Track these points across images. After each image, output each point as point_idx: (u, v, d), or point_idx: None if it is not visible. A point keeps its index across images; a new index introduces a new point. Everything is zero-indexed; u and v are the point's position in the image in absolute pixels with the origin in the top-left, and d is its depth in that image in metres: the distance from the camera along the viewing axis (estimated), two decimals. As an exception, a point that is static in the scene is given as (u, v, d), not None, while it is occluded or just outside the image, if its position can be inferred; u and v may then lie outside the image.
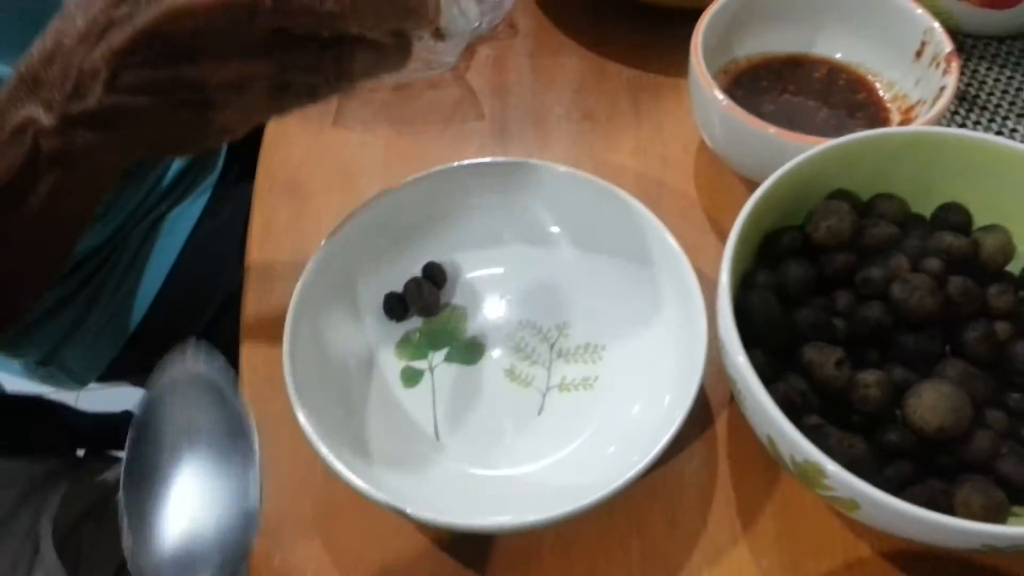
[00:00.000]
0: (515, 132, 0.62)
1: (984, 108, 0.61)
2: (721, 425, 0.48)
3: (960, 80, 0.62)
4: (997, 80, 0.63)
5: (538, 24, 0.68)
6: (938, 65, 0.52)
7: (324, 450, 0.41)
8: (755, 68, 0.59)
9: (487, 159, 0.52)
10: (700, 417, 0.48)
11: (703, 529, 0.45)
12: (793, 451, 0.38)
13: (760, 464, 0.46)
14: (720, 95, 0.51)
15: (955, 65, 0.51)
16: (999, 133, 0.60)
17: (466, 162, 0.53)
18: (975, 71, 0.63)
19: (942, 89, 0.51)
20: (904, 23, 0.55)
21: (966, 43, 0.65)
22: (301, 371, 0.44)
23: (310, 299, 0.47)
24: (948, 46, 0.52)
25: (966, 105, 0.61)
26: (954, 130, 0.46)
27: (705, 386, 0.48)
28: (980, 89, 0.62)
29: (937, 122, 0.50)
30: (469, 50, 0.66)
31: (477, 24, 0.66)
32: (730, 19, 0.57)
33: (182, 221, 0.80)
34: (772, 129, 0.50)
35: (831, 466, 0.36)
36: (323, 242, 0.49)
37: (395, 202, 0.52)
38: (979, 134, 0.45)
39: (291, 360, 0.44)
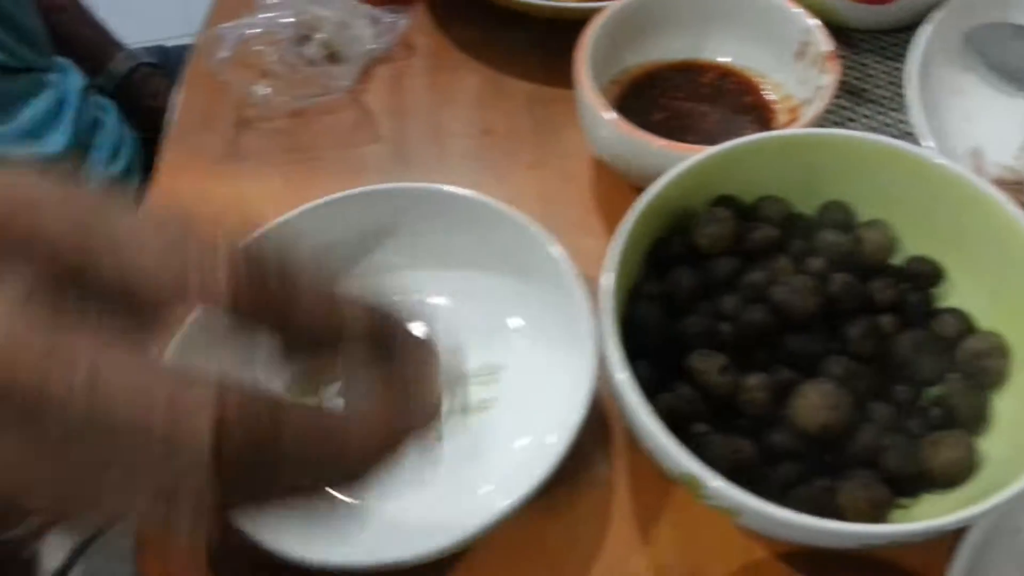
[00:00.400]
0: (415, 152, 0.62)
1: (872, 101, 0.62)
2: (619, 435, 0.48)
3: (849, 74, 0.64)
4: (885, 72, 0.64)
5: (435, 42, 0.68)
6: (817, 65, 0.53)
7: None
8: (646, 76, 0.60)
9: (372, 187, 0.52)
10: (598, 428, 0.48)
11: (603, 542, 0.45)
12: (672, 464, 0.38)
13: (657, 473, 0.47)
14: (606, 111, 0.51)
15: (833, 65, 0.52)
16: (888, 125, 0.61)
17: (356, 191, 0.52)
18: (864, 64, 0.64)
19: (820, 89, 0.51)
20: (785, 24, 0.56)
21: (854, 37, 0.66)
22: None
23: (189, 349, 0.46)
24: (827, 46, 0.53)
25: (855, 99, 0.62)
26: (827, 131, 0.47)
27: (604, 396, 0.48)
28: (868, 82, 0.63)
29: (817, 122, 0.51)
30: (366, 72, 0.66)
31: (373, 46, 0.66)
32: (617, 30, 0.57)
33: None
34: (660, 142, 0.50)
35: (707, 477, 0.37)
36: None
37: (287, 234, 0.51)
38: (851, 132, 0.46)
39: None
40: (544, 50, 0.66)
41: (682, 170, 0.46)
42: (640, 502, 0.46)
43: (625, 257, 0.44)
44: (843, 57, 0.65)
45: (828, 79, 0.51)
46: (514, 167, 0.61)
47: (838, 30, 0.65)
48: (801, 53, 0.55)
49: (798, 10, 0.55)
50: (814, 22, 0.54)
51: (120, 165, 0.90)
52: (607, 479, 0.47)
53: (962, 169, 0.44)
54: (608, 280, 0.42)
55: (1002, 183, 0.52)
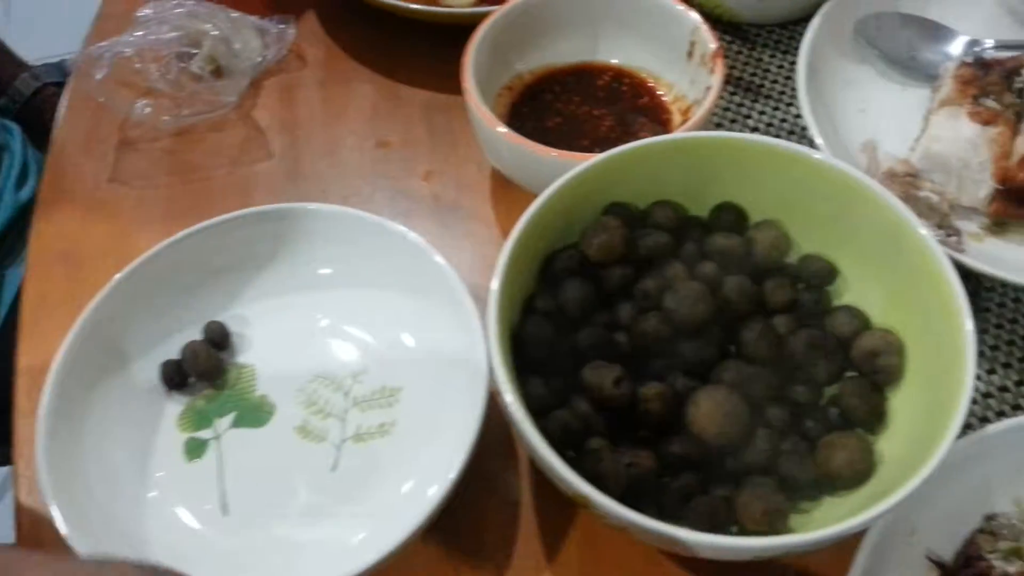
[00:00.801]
0: (308, 168, 0.60)
1: (768, 96, 0.62)
2: (525, 454, 0.47)
3: (744, 71, 0.63)
4: (781, 67, 0.63)
5: (327, 52, 0.66)
6: (705, 64, 0.52)
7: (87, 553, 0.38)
8: (540, 81, 0.59)
9: (261, 208, 0.50)
10: (504, 447, 0.47)
11: (508, 563, 0.44)
12: (564, 485, 0.37)
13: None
14: (493, 122, 0.50)
15: (720, 63, 0.51)
16: (783, 121, 0.60)
17: (243, 212, 0.50)
18: (759, 59, 0.64)
19: (708, 89, 0.51)
20: (673, 24, 0.55)
21: (750, 32, 0.65)
22: (59, 468, 0.41)
23: (68, 382, 0.44)
24: (713, 44, 0.52)
25: (751, 95, 0.62)
26: (712, 133, 0.46)
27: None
28: (764, 78, 0.63)
29: (706, 123, 0.50)
30: (254, 85, 0.64)
31: (260, 58, 0.64)
32: (505, 35, 0.56)
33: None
34: (550, 151, 0.49)
35: (596, 496, 0.35)
36: (83, 314, 0.46)
37: (169, 260, 0.49)
38: (734, 134, 0.45)
39: (47, 458, 0.41)
40: (439, 56, 0.64)
41: (568, 179, 0.45)
42: (546, 521, 0.45)
43: (514, 271, 0.43)
44: (739, 53, 0.64)
45: (716, 79, 0.50)
46: (410, 178, 0.59)
47: (733, 26, 0.65)
48: (691, 52, 0.54)
49: (683, 8, 0.54)
50: (700, 20, 0.53)
51: (28, 190, 0.87)
52: (514, 499, 0.46)
53: (846, 166, 0.44)
54: (493, 297, 0.41)
55: (893, 175, 0.52)
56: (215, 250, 0.50)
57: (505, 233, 0.56)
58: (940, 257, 0.40)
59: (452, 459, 0.41)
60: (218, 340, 0.49)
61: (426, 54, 0.65)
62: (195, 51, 0.61)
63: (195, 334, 0.49)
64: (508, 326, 0.42)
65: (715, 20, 0.65)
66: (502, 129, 0.50)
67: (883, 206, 0.43)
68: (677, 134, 0.46)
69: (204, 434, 0.47)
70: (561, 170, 0.46)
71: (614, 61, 0.59)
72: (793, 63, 0.63)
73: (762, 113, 0.61)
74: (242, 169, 0.60)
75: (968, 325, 0.38)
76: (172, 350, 0.49)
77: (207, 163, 0.60)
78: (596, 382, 0.42)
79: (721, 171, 0.47)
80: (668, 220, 0.47)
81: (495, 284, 0.41)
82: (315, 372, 0.49)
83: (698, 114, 0.49)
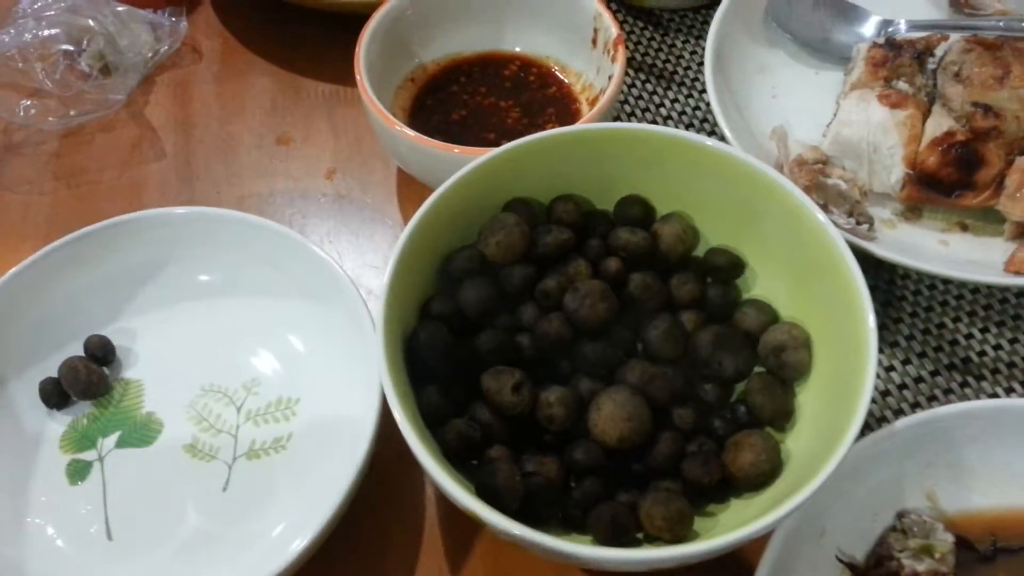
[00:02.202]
0: (202, 168, 0.57)
1: (681, 84, 0.60)
2: (426, 464, 0.45)
3: (657, 57, 0.62)
4: (694, 53, 0.62)
5: (224, 45, 0.63)
6: (608, 52, 0.51)
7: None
8: (444, 72, 0.56)
9: (135, 214, 0.47)
10: (403, 460, 0.45)
11: (411, 580, 0.42)
12: (453, 501, 0.35)
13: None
14: (391, 121, 0.47)
15: (621, 50, 0.50)
16: (696, 108, 0.59)
17: (126, 217, 0.47)
18: (672, 45, 0.62)
19: (610, 78, 0.49)
20: (576, 10, 0.53)
21: (663, 17, 0.64)
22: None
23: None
24: (615, 31, 0.50)
25: (664, 83, 0.60)
26: (611, 124, 0.44)
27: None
28: (677, 64, 0.61)
29: (608, 112, 0.49)
30: (147, 82, 0.60)
31: (152, 53, 0.60)
32: (403, 25, 0.53)
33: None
34: (449, 148, 0.47)
35: (482, 511, 0.34)
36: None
37: (45, 271, 0.46)
38: (636, 125, 0.44)
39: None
40: (341, 46, 0.61)
41: (464, 175, 0.43)
42: (451, 533, 0.44)
43: (408, 273, 0.41)
44: (652, 39, 0.63)
45: (617, 67, 0.49)
46: (312, 177, 0.57)
47: (645, 11, 0.64)
48: (595, 40, 0.53)
49: (588, -5, 0.52)
50: (601, 6, 0.51)
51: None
52: (415, 513, 0.44)
53: (745, 155, 0.42)
54: (381, 302, 0.38)
55: (802, 163, 0.51)
56: (95, 259, 0.47)
57: (411, 232, 0.54)
58: (841, 248, 0.39)
59: (346, 477, 0.39)
60: (100, 355, 0.46)
61: (328, 44, 0.62)
62: (81, 48, 0.58)
63: (78, 349, 0.46)
64: (402, 332, 0.40)
65: (627, 6, 0.64)
66: (399, 126, 0.47)
67: (783, 196, 0.41)
68: (576, 126, 0.44)
69: (87, 455, 0.44)
70: (463, 167, 0.44)
71: (519, 50, 0.57)
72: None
73: (675, 101, 0.59)
74: (132, 171, 0.56)
75: (870, 320, 0.37)
76: (53, 367, 0.46)
77: (95, 166, 0.57)
78: (494, 388, 0.40)
79: (625, 163, 0.45)
80: (571, 215, 0.45)
81: (384, 287, 0.39)
82: (206, 385, 0.46)
83: (600, 104, 0.47)
